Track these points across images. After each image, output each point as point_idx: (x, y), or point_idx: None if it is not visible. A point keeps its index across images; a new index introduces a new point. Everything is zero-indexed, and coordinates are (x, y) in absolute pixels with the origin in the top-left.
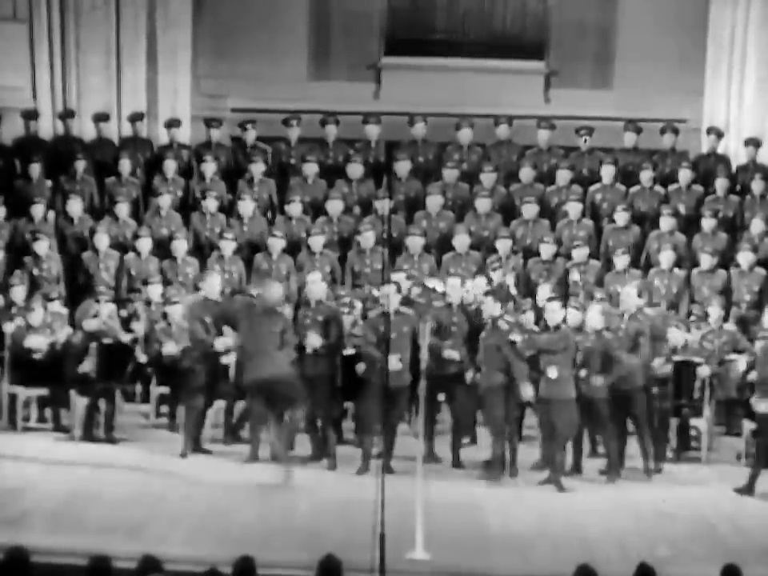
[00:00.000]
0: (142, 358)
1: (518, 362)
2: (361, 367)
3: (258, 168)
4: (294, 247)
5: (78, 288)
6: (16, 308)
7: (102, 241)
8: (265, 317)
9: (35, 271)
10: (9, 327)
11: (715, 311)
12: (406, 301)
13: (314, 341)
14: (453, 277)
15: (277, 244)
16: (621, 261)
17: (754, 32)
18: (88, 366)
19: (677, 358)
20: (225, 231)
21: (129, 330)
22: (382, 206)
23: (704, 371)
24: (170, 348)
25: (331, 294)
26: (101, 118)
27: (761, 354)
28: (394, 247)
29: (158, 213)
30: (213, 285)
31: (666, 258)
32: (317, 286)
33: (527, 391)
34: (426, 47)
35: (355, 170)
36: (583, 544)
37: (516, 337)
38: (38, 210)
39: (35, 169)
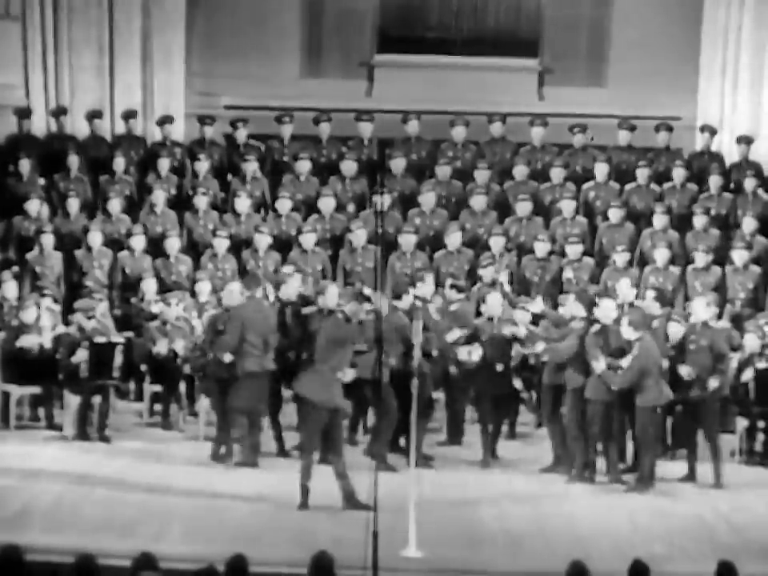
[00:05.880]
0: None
1: None
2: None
3: (251, 166)
4: (284, 245)
5: (72, 286)
6: (8, 306)
7: (96, 239)
8: None
9: (38, 268)
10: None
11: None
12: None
13: None
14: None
15: (263, 240)
16: (620, 257)
17: (748, 30)
18: (80, 356)
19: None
20: (218, 229)
21: (127, 329)
22: (381, 201)
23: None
24: (162, 347)
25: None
26: (94, 115)
27: (640, 349)
28: (388, 245)
29: (153, 210)
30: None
31: (661, 255)
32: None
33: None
34: (419, 44)
35: (349, 167)
36: (577, 540)
37: None
38: (33, 205)
39: (25, 165)
